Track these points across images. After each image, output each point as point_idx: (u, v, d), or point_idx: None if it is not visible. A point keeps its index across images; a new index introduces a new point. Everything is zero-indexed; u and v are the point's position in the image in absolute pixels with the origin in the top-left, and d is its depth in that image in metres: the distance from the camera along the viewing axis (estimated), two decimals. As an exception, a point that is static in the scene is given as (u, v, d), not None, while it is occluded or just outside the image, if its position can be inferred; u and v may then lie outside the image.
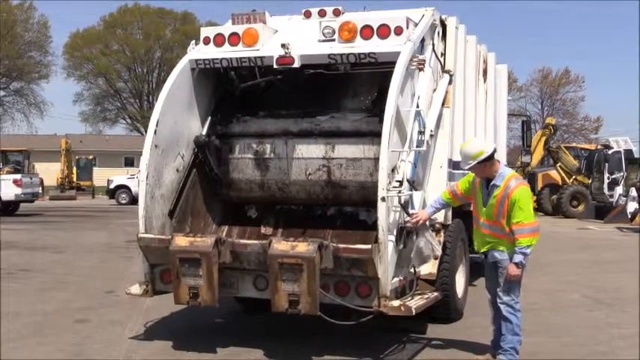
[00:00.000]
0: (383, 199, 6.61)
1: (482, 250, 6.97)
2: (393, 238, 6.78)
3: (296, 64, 7.69)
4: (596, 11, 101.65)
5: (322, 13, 8.60)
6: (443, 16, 8.73)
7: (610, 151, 32.35)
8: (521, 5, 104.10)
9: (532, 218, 6.69)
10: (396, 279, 6.90)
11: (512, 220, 6.59)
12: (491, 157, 6.76)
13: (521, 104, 71.16)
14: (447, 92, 8.52)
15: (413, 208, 7.18)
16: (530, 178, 32.02)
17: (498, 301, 6.79)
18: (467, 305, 9.07)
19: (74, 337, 8.04)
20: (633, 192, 25.27)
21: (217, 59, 8.08)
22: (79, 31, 73.94)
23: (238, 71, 8.32)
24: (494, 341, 7.01)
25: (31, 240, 18.91)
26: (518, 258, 6.59)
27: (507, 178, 6.75)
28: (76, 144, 53.39)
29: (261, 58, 7.92)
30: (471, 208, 7.26)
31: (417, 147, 7.38)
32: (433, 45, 8.35)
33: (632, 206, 25.26)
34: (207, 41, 8.22)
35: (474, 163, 6.72)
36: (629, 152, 32.16)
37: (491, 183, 6.78)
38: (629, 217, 24.96)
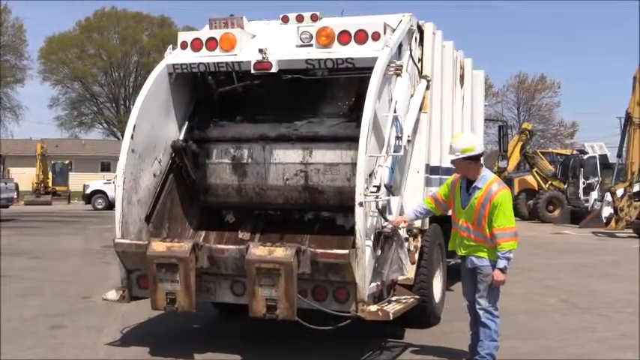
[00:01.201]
0: (360, 204, 6.60)
1: (460, 254, 7.00)
2: (370, 243, 6.77)
3: (273, 69, 7.67)
4: (573, 13, 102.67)
5: (300, 19, 8.59)
6: (420, 22, 8.74)
7: (585, 157, 32.75)
8: (497, 9, 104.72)
9: (513, 222, 6.73)
10: (373, 284, 6.89)
11: (494, 224, 6.62)
12: (478, 158, 6.82)
13: (498, 109, 71.73)
14: (424, 97, 8.55)
15: (390, 213, 7.19)
16: (507, 183, 32.06)
17: (477, 306, 6.80)
18: (444, 310, 9.11)
19: (50, 343, 7.97)
20: (608, 197, 25.54)
21: (195, 64, 8.05)
22: (54, 35, 73.58)
23: (216, 76, 8.31)
24: (472, 346, 7.03)
25: (7, 245, 18.68)
26: (502, 263, 6.61)
27: (490, 181, 6.78)
28: (51, 148, 52.99)
29: (239, 63, 7.90)
30: (450, 212, 7.29)
31: (394, 152, 7.38)
32: (410, 50, 8.37)
33: (607, 211, 25.57)
34: (184, 46, 8.19)
35: (461, 155, 6.73)
36: (603, 157, 32.51)
37: (473, 185, 6.80)
38: (604, 221, 25.26)
